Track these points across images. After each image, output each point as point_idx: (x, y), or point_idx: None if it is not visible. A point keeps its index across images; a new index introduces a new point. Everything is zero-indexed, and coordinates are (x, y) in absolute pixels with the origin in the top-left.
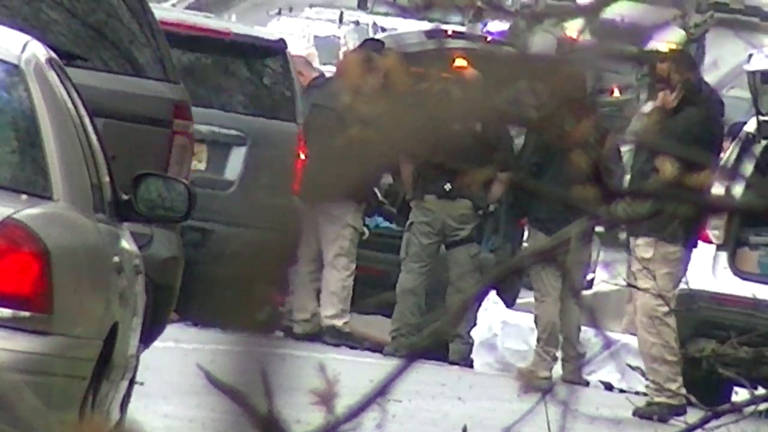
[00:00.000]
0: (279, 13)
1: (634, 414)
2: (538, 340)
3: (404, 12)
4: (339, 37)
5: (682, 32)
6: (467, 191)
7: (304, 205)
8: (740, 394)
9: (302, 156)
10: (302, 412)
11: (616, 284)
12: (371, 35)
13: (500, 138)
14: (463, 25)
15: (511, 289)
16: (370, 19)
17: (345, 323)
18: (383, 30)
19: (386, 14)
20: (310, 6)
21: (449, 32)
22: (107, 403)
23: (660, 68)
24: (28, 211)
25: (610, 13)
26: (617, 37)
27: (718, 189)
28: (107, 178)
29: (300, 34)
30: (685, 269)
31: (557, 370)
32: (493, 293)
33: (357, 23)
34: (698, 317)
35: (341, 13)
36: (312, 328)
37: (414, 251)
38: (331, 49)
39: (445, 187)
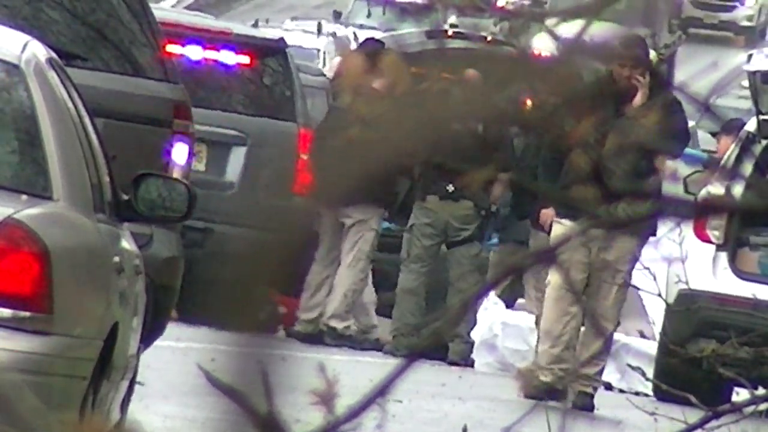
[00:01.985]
0: (255, 25)
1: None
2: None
3: (403, 12)
4: (318, 49)
5: (653, 52)
6: (469, 192)
7: (321, 208)
8: (740, 394)
9: (314, 158)
10: (302, 412)
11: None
12: (351, 46)
13: (501, 138)
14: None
15: (513, 290)
16: (350, 31)
17: (346, 327)
18: None
19: (361, 27)
20: (292, 18)
21: (449, 32)
22: (107, 403)
23: (618, 73)
24: (28, 211)
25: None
26: (587, 55)
27: (718, 189)
28: (107, 178)
29: None
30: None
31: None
32: (492, 293)
33: (335, 35)
34: (698, 317)
35: (319, 24)
36: (314, 329)
37: (415, 252)
38: (307, 61)
39: (447, 188)
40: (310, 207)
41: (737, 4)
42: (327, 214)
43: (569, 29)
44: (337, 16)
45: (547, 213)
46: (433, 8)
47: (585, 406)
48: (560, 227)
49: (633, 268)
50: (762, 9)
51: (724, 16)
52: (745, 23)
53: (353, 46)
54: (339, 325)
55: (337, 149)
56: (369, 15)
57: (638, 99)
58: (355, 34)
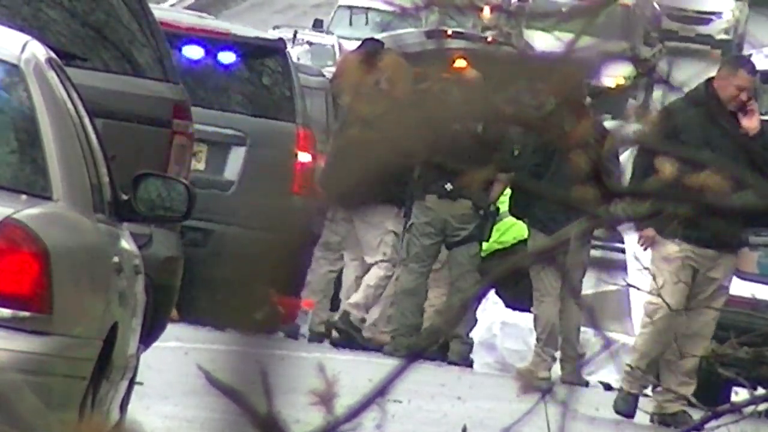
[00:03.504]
0: None
1: (651, 420)
2: (537, 341)
3: (404, 11)
4: None
5: (632, 66)
6: (468, 191)
7: (334, 209)
8: (740, 394)
9: (329, 159)
10: (302, 412)
11: (616, 284)
12: (334, 56)
13: (500, 138)
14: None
15: (513, 290)
16: (332, 40)
17: (361, 320)
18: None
19: (342, 37)
20: (274, 27)
21: (449, 32)
22: (107, 403)
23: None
24: (28, 211)
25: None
26: (565, 69)
27: None
28: (107, 178)
29: None
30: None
31: (556, 370)
32: (492, 293)
33: (310, 44)
34: None
35: (294, 33)
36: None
37: (415, 252)
38: None
39: (446, 187)
40: (323, 207)
41: (713, 17)
42: (340, 217)
43: (547, 41)
44: (318, 24)
45: (648, 234)
46: (427, 11)
47: (688, 425)
48: (668, 248)
49: (731, 282)
50: (739, 22)
51: (701, 29)
52: (722, 36)
53: (336, 54)
54: (356, 312)
55: (349, 150)
56: (351, 23)
57: (751, 122)
58: (339, 43)
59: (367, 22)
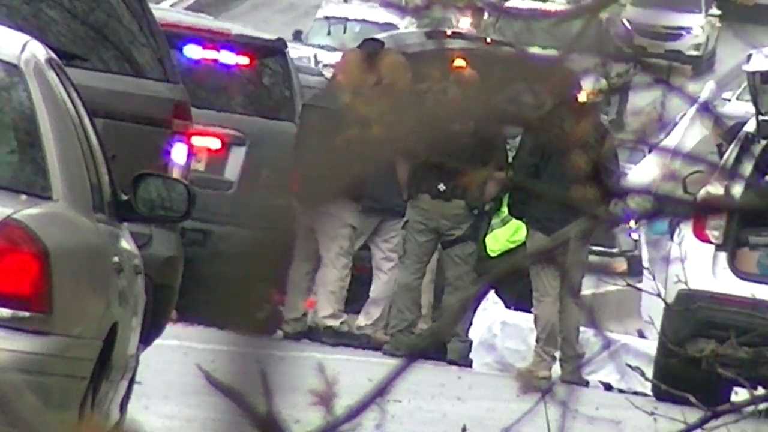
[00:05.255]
0: None
1: None
2: (537, 340)
3: (403, 11)
4: None
5: (604, 81)
6: (461, 191)
7: (301, 205)
8: (740, 394)
9: (296, 156)
10: (302, 412)
11: (616, 284)
12: (311, 66)
13: (495, 137)
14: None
15: (514, 289)
16: (310, 52)
17: (342, 323)
18: (325, 65)
19: (321, 46)
20: None
21: (449, 32)
22: (107, 403)
23: None
24: (27, 211)
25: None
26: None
27: (717, 189)
28: (107, 178)
29: None
30: None
31: (556, 370)
32: (492, 293)
33: None
34: (698, 317)
35: None
36: (302, 327)
37: (410, 249)
38: None
39: (439, 187)
40: (297, 205)
41: (683, 32)
42: (305, 212)
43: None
44: (297, 35)
45: None
46: (424, 12)
47: None
48: None
49: None
50: (709, 38)
51: (670, 44)
52: (692, 52)
53: (312, 65)
54: (335, 322)
55: (322, 148)
56: (329, 33)
57: None
58: (315, 56)
59: (345, 32)
